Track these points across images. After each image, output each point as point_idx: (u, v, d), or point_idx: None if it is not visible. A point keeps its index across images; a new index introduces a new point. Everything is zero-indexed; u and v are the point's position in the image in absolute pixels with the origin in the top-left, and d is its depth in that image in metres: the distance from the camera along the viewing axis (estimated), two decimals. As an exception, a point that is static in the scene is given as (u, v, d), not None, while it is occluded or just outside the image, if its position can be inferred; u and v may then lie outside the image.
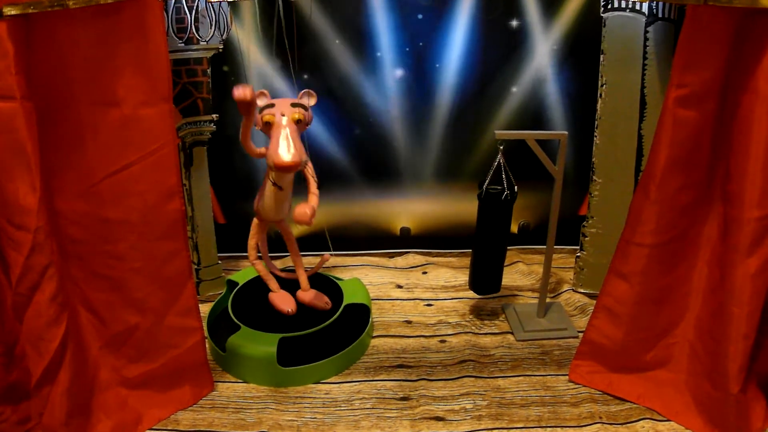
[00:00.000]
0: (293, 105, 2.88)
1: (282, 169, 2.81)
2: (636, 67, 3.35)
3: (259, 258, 3.43)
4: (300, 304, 3.36)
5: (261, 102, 2.87)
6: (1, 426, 2.59)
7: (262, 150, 2.91)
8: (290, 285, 3.47)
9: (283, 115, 2.83)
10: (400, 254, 4.32)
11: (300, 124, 2.87)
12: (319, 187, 3.04)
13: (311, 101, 2.96)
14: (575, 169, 4.04)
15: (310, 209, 2.83)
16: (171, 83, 2.48)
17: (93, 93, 2.38)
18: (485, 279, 3.39)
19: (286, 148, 2.76)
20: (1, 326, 2.53)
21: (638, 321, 2.85)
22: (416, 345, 3.38)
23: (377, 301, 3.76)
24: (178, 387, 2.91)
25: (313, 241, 4.23)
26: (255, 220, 3.28)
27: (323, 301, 3.37)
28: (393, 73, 3.91)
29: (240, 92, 2.63)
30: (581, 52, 3.82)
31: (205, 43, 3.40)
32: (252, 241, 3.31)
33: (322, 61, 3.82)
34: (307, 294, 3.41)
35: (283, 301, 3.34)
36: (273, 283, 3.43)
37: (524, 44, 3.86)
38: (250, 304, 3.39)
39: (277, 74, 3.81)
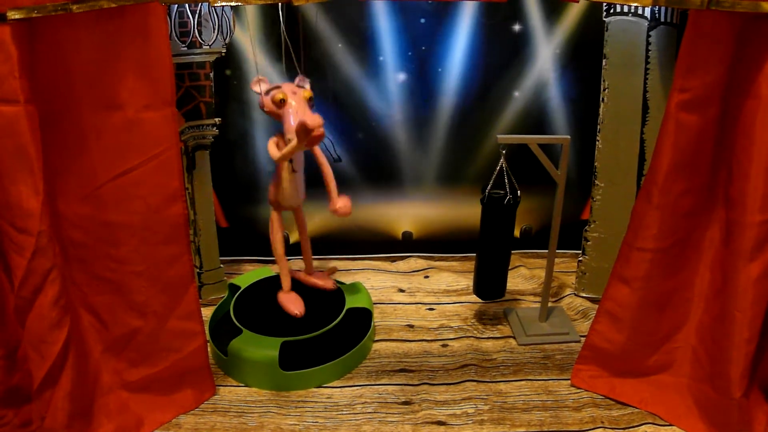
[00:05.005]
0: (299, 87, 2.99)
1: (315, 139, 2.82)
2: (638, 71, 3.35)
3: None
4: (305, 300, 3.34)
5: (261, 87, 2.93)
6: (3, 429, 2.59)
7: (290, 148, 2.90)
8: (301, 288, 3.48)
9: (295, 93, 2.91)
10: (402, 258, 4.32)
11: (310, 103, 2.95)
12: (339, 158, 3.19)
13: (306, 86, 3.03)
14: (578, 174, 4.04)
15: (342, 202, 3.08)
16: (174, 87, 2.48)
17: (96, 97, 2.38)
18: (489, 284, 3.39)
19: (311, 115, 2.79)
20: (3, 329, 2.53)
21: (640, 325, 2.85)
22: (418, 349, 3.37)
23: (379, 305, 3.76)
24: (179, 391, 2.91)
25: (324, 245, 4.24)
26: (273, 215, 3.23)
27: (328, 282, 3.42)
28: (395, 77, 3.92)
29: (317, 120, 2.72)
30: (583, 56, 3.82)
31: (207, 47, 3.41)
32: (278, 235, 3.23)
33: (324, 64, 3.82)
34: (311, 276, 3.47)
35: (292, 302, 3.28)
36: (287, 282, 3.34)
37: (526, 48, 3.86)
38: (252, 308, 3.39)
39: (281, 78, 3.81)
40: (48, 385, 2.46)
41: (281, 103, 2.89)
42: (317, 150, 3.10)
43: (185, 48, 3.35)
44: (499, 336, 3.49)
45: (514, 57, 3.89)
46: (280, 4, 3.11)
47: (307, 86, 3.03)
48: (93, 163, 2.47)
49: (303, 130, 2.73)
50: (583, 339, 3.15)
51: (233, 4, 2.71)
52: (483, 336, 3.48)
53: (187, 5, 3.27)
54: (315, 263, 3.55)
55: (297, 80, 3.02)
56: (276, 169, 3.11)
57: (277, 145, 2.97)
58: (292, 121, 2.85)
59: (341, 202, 3.11)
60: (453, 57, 3.88)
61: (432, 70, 3.92)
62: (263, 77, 2.96)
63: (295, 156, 3.02)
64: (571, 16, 3.79)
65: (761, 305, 2.47)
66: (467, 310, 3.72)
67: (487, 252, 3.33)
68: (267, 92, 2.92)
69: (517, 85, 3.95)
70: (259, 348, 3.07)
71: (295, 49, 3.25)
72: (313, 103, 2.99)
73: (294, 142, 2.83)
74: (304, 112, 2.86)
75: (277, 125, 3.01)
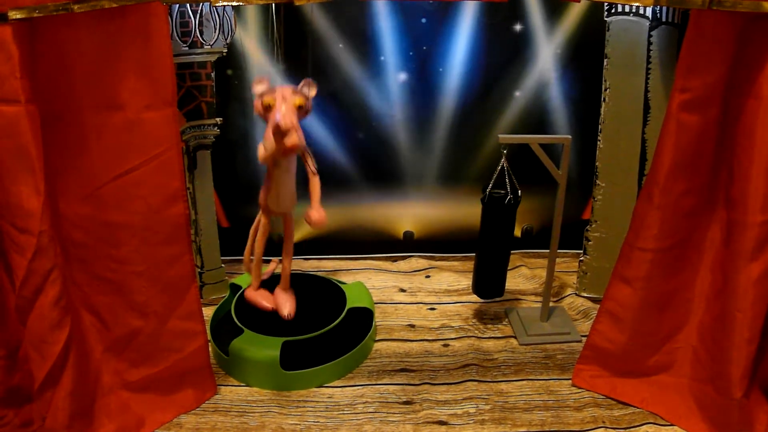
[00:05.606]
0: (294, 93, 2.79)
1: (285, 152, 2.71)
2: (639, 71, 3.35)
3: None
4: (306, 299, 3.28)
5: (260, 88, 2.77)
6: (4, 429, 2.60)
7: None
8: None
9: (285, 100, 2.71)
10: (404, 258, 4.32)
11: (300, 111, 2.76)
12: (317, 173, 2.94)
13: (312, 92, 2.88)
14: (579, 173, 4.04)
15: (317, 213, 2.88)
16: (175, 87, 2.49)
17: (97, 97, 2.38)
18: (489, 283, 3.39)
19: (288, 117, 2.64)
20: (4, 329, 2.54)
21: (641, 325, 2.85)
22: (419, 349, 3.37)
23: (380, 304, 3.76)
24: (180, 390, 2.91)
25: (313, 245, 4.24)
26: (261, 217, 3.12)
27: (286, 311, 3.17)
28: (396, 77, 3.91)
29: (286, 122, 2.59)
30: (585, 56, 3.82)
31: (209, 46, 3.41)
32: (261, 239, 3.14)
33: (325, 64, 3.83)
34: (281, 296, 3.23)
35: (263, 297, 3.22)
36: (257, 283, 3.26)
37: (527, 48, 3.86)
38: (254, 308, 3.38)
39: (281, 77, 3.81)
40: (49, 385, 2.46)
41: (268, 108, 2.70)
42: (307, 157, 2.94)
43: (186, 48, 3.35)
44: (500, 336, 3.49)
45: (515, 57, 3.89)
46: (275, 3, 3.09)
47: (313, 92, 2.82)
48: (94, 163, 2.47)
49: (277, 131, 2.62)
50: (584, 339, 3.14)
51: (234, 3, 2.69)
52: (484, 336, 3.48)
53: (188, 5, 3.27)
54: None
55: (302, 84, 2.81)
56: (267, 171, 2.96)
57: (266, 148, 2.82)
58: (269, 132, 2.70)
59: (316, 215, 2.93)
60: (454, 57, 3.88)
61: (433, 70, 3.91)
62: (265, 77, 2.81)
63: (288, 159, 2.89)
64: (572, 15, 3.79)
65: (762, 305, 2.46)
66: (468, 310, 3.72)
67: (487, 251, 3.33)
68: (261, 95, 2.76)
69: (518, 85, 3.95)
70: (261, 348, 3.07)
71: (296, 49, 3.24)
72: (307, 109, 2.81)
73: (271, 146, 2.71)
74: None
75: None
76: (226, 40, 3.46)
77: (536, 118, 4.01)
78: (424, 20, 3.81)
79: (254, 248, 3.17)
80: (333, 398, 3.02)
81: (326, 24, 3.76)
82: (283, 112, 2.64)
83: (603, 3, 3.37)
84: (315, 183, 2.94)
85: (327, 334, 3.18)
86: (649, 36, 3.29)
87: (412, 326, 3.58)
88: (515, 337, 3.46)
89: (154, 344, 2.77)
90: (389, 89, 3.94)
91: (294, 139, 2.68)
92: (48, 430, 2.51)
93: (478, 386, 3.08)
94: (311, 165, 2.95)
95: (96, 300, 2.67)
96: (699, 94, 2.42)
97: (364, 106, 3.96)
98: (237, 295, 3.49)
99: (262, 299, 3.23)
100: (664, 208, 2.61)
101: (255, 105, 2.81)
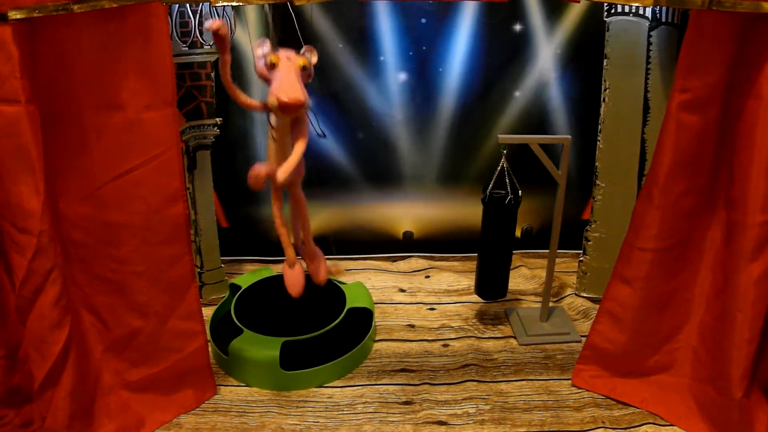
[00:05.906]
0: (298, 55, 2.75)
1: (284, 107, 2.62)
2: (639, 71, 3.35)
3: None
4: (306, 299, 3.26)
5: (262, 50, 2.71)
6: (4, 429, 2.60)
7: (254, 102, 2.74)
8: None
9: (289, 59, 2.68)
10: (403, 258, 4.32)
11: (304, 73, 2.72)
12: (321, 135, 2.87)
13: (313, 58, 2.87)
14: (578, 174, 4.04)
15: (265, 169, 2.66)
16: (175, 87, 2.48)
17: (97, 97, 2.38)
18: (491, 284, 3.39)
19: (290, 86, 2.60)
20: (4, 329, 2.53)
21: (641, 325, 2.85)
22: (419, 349, 3.37)
23: (380, 305, 3.76)
24: (180, 390, 2.91)
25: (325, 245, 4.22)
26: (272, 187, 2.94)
27: (320, 277, 3.11)
28: (396, 77, 3.91)
29: (214, 23, 2.47)
30: (584, 56, 3.82)
31: (209, 46, 3.41)
32: (273, 208, 2.95)
33: (325, 65, 3.82)
34: (309, 266, 3.16)
35: (292, 280, 3.02)
36: (290, 253, 3.04)
37: (527, 48, 3.86)
38: (253, 308, 3.39)
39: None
40: (49, 385, 2.46)
41: (272, 66, 2.65)
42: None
43: (186, 48, 3.35)
44: (500, 336, 3.49)
45: (515, 57, 3.89)
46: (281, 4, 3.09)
47: (314, 58, 2.78)
48: (94, 163, 2.47)
49: (277, 104, 2.56)
50: (584, 339, 3.14)
51: (234, 3, 2.68)
52: (484, 336, 3.48)
53: (188, 5, 3.27)
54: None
55: (303, 49, 2.78)
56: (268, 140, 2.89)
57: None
58: (282, 87, 2.62)
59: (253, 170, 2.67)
60: (454, 57, 3.88)
61: (433, 70, 3.91)
62: (266, 40, 2.75)
63: (283, 125, 2.77)
64: (572, 16, 3.79)
65: (762, 306, 2.46)
66: (468, 310, 3.72)
67: (489, 252, 3.33)
68: (264, 56, 2.70)
69: (518, 85, 3.95)
70: (260, 348, 3.07)
71: (296, 49, 3.22)
72: (310, 73, 2.77)
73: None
74: (290, 80, 2.65)
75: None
76: (226, 40, 3.45)
77: (536, 118, 4.01)
78: (424, 20, 3.81)
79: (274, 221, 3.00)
80: (333, 398, 3.01)
81: (326, 24, 3.76)
82: (292, 85, 2.59)
83: (603, 3, 3.37)
84: (298, 143, 2.80)
85: (327, 334, 3.17)
86: (649, 36, 3.29)
87: (412, 326, 3.58)
88: (515, 338, 3.46)
89: (154, 344, 2.77)
90: (389, 89, 3.94)
91: (291, 93, 2.58)
92: (48, 430, 2.51)
93: (478, 386, 3.08)
94: (317, 127, 2.85)
95: (96, 300, 2.67)
96: (699, 94, 2.42)
97: (364, 106, 3.96)
98: (238, 293, 3.49)
99: (290, 282, 3.03)
100: (664, 208, 2.61)
101: (256, 66, 2.72)
